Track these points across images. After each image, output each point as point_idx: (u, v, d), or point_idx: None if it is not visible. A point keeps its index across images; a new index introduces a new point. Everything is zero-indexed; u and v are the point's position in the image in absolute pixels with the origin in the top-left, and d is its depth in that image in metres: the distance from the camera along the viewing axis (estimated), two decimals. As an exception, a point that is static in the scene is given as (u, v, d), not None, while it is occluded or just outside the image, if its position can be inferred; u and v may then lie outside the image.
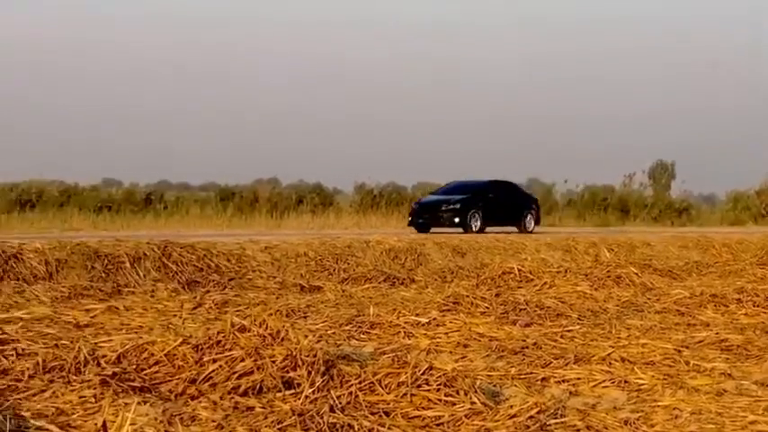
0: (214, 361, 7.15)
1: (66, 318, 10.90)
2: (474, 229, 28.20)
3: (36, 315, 10.94)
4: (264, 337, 7.38)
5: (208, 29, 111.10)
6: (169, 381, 7.08)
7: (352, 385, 6.76)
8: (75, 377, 7.10)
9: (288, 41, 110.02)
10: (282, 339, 7.38)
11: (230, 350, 7.24)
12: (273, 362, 7.04)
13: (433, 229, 28.28)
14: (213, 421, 6.23)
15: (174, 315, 11.57)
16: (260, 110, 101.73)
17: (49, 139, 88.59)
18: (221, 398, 6.67)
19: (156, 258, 15.93)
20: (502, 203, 29.89)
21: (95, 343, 8.26)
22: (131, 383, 6.92)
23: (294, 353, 7.10)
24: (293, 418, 6.17)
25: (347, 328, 10.47)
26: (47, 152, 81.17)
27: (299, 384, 6.82)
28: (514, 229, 29.40)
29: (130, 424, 5.67)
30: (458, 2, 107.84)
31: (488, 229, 28.59)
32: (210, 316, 11.49)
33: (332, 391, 6.67)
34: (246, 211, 38.59)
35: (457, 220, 28.54)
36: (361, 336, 10.13)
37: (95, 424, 6.05)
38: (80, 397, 6.67)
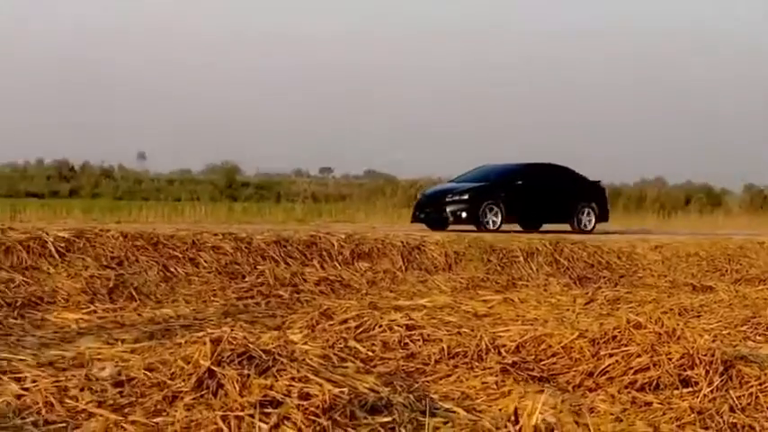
0: (610, 356, 7.30)
1: (465, 307, 11.42)
2: (491, 226, 22.22)
3: (438, 303, 11.56)
4: (660, 334, 7.42)
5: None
6: (566, 372, 7.31)
7: (752, 386, 6.69)
8: (477, 364, 7.47)
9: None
10: (678, 338, 7.39)
11: (626, 346, 7.36)
12: (670, 359, 7.08)
13: (451, 227, 22.21)
14: (612, 414, 6.39)
15: (567, 309, 11.80)
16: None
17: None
18: (618, 392, 6.81)
19: (548, 254, 16.31)
20: (539, 193, 23.34)
21: (494, 332, 8.60)
22: (530, 373, 7.21)
23: (691, 351, 7.09)
24: (692, 415, 6.22)
25: (742, 329, 10.25)
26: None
27: (696, 383, 6.82)
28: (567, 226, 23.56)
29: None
30: None
31: (525, 226, 23.18)
32: (603, 312, 11.59)
33: (731, 392, 6.64)
34: (632, 210, 38.51)
35: (464, 215, 22.59)
36: (758, 337, 9.90)
37: (499, 409, 6.37)
38: (482, 383, 7.02)
